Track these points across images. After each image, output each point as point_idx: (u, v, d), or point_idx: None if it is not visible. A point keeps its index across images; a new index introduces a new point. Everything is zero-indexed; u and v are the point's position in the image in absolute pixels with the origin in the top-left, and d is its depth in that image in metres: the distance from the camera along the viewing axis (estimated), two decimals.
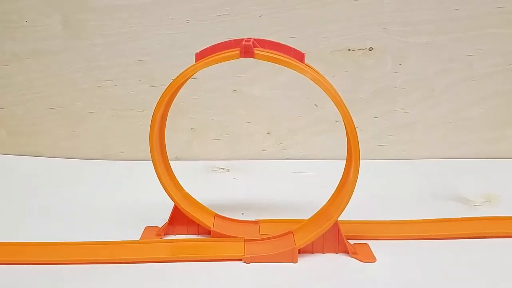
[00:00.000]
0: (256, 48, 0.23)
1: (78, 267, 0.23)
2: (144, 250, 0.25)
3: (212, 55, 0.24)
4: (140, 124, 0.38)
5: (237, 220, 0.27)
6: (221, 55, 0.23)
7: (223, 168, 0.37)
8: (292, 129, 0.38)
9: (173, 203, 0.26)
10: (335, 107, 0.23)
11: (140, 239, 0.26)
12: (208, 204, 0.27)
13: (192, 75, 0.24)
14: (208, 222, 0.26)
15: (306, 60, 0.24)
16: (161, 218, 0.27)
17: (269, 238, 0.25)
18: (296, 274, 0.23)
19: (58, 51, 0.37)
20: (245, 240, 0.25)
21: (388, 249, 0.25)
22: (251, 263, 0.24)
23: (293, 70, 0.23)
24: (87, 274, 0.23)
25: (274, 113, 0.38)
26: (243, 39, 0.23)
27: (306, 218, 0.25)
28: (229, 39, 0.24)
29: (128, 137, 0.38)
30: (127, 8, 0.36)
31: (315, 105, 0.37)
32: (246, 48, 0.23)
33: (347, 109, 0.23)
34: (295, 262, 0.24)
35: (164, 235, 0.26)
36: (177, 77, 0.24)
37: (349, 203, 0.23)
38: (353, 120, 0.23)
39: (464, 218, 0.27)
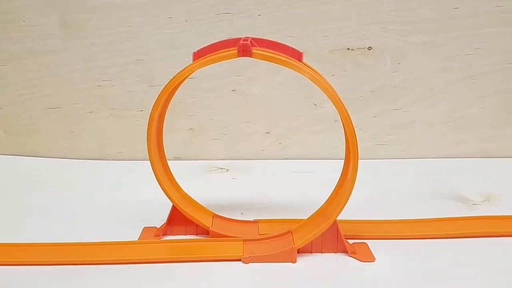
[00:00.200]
0: (254, 47, 0.23)
1: (76, 268, 0.23)
2: (142, 251, 0.25)
3: (210, 55, 0.23)
4: (139, 124, 0.38)
5: (236, 220, 0.27)
6: (218, 55, 0.23)
7: (222, 168, 0.37)
8: (291, 128, 0.38)
9: (171, 203, 0.26)
10: (334, 106, 0.23)
11: (138, 239, 0.26)
12: (207, 204, 0.27)
13: (190, 74, 0.24)
14: (206, 222, 0.26)
15: (305, 60, 0.24)
16: (160, 218, 0.27)
17: (268, 238, 0.25)
18: (295, 274, 0.23)
19: (55, 51, 0.37)
20: (244, 240, 0.25)
21: (387, 249, 0.25)
22: (250, 263, 0.24)
23: (291, 70, 0.23)
24: (85, 275, 0.23)
25: (273, 112, 0.38)
26: (241, 38, 0.23)
27: (305, 217, 0.25)
28: (227, 38, 0.24)
29: (127, 137, 0.38)
30: (125, 8, 0.36)
31: (314, 104, 0.37)
32: (244, 47, 0.23)
33: (345, 108, 0.23)
34: (294, 262, 0.24)
35: (162, 235, 0.26)
36: (174, 76, 0.24)
37: (348, 203, 0.23)
38: (352, 119, 0.23)
39: (463, 217, 0.27)
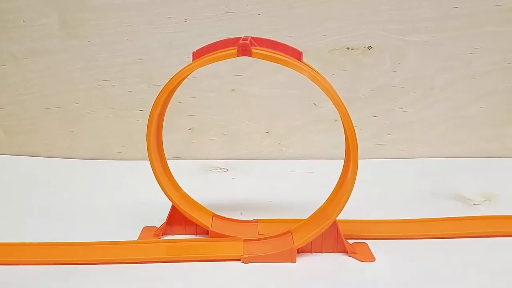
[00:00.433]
0: (254, 47, 0.23)
1: (76, 268, 0.23)
2: (142, 251, 0.24)
3: (209, 54, 0.23)
4: (138, 123, 0.38)
5: (236, 220, 0.27)
6: (218, 54, 0.23)
7: (221, 168, 0.37)
8: (291, 128, 0.38)
9: (171, 203, 0.26)
10: (333, 106, 0.23)
11: (138, 239, 0.26)
12: (207, 203, 0.27)
13: (189, 74, 0.24)
14: (206, 222, 0.26)
15: (305, 59, 0.23)
16: (159, 218, 0.27)
17: (267, 238, 0.25)
18: (295, 274, 0.23)
19: (55, 51, 0.37)
20: (244, 240, 0.25)
21: (387, 249, 0.24)
22: (250, 263, 0.23)
23: (291, 69, 0.23)
24: (84, 275, 0.23)
25: (272, 112, 0.38)
26: (240, 37, 0.23)
27: (305, 217, 0.25)
28: (227, 38, 0.24)
29: (126, 137, 0.38)
30: (124, 7, 0.36)
31: (314, 104, 0.37)
32: (243, 47, 0.23)
33: (345, 107, 0.23)
34: (294, 262, 0.24)
35: (162, 235, 0.26)
36: (174, 76, 0.24)
37: (347, 202, 0.23)
38: (352, 119, 0.23)
39: (464, 217, 0.27)
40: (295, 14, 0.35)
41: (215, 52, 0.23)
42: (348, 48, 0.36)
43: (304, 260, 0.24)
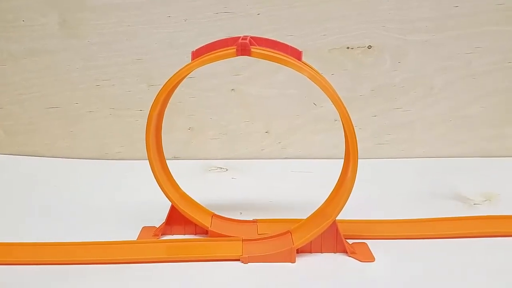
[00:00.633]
0: (253, 46, 0.23)
1: (75, 268, 0.23)
2: (141, 250, 0.24)
3: (208, 54, 0.23)
4: (138, 123, 0.38)
5: (235, 219, 0.27)
6: (217, 54, 0.23)
7: (221, 168, 0.37)
8: (290, 128, 0.38)
9: (170, 203, 0.26)
10: (333, 105, 0.23)
11: (137, 239, 0.26)
12: (206, 203, 0.27)
13: (188, 74, 0.24)
14: (205, 222, 0.26)
15: (305, 59, 0.23)
16: (159, 218, 0.27)
17: (267, 238, 0.25)
18: (294, 274, 0.23)
19: (55, 51, 0.37)
20: (243, 240, 0.25)
21: (387, 249, 0.24)
22: (249, 263, 0.23)
23: (290, 69, 0.23)
24: (84, 275, 0.23)
25: (272, 112, 0.38)
26: (240, 37, 0.23)
27: (304, 217, 0.25)
28: (226, 37, 0.24)
29: (126, 136, 0.38)
30: (124, 7, 0.36)
31: (314, 103, 0.37)
32: (242, 46, 0.22)
33: (344, 107, 0.23)
34: (293, 262, 0.24)
35: (161, 235, 0.26)
36: (173, 76, 0.24)
37: (347, 202, 0.23)
38: (352, 118, 0.23)
39: (464, 217, 0.27)
40: (295, 13, 0.35)
41: (214, 51, 0.23)
42: (348, 48, 0.36)
43: (304, 260, 0.24)
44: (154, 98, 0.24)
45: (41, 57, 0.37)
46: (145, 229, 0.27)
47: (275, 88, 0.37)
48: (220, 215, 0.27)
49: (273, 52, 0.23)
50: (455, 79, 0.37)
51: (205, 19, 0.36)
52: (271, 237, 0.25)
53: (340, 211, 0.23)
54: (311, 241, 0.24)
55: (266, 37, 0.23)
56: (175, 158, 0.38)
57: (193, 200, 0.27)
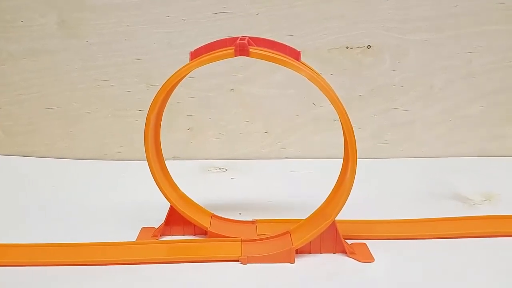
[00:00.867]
0: (251, 47, 0.23)
1: (74, 269, 0.23)
2: (140, 251, 0.24)
3: (207, 54, 0.23)
4: (137, 124, 0.38)
5: (234, 220, 0.27)
6: (215, 54, 0.23)
7: (220, 168, 0.36)
8: (289, 128, 0.38)
9: (169, 204, 0.26)
10: (332, 105, 0.23)
11: (136, 239, 0.26)
12: (206, 204, 0.27)
13: (186, 74, 0.24)
14: (204, 222, 0.26)
15: (304, 59, 0.23)
16: (158, 218, 0.27)
17: (266, 239, 0.25)
18: (294, 275, 0.23)
19: (54, 51, 0.37)
20: (242, 241, 0.25)
21: (387, 249, 0.24)
22: (248, 264, 0.23)
23: (289, 69, 0.23)
24: (83, 276, 0.23)
25: (271, 112, 0.37)
26: (238, 37, 0.23)
27: (304, 218, 0.25)
28: (225, 37, 0.24)
29: (125, 137, 0.38)
30: (123, 7, 0.36)
31: (313, 103, 0.37)
32: (241, 47, 0.22)
33: (343, 107, 0.23)
34: (293, 262, 0.23)
35: (160, 236, 0.26)
36: (171, 76, 0.24)
37: (346, 203, 0.23)
38: (351, 118, 0.23)
39: (463, 217, 0.27)
40: (294, 13, 0.35)
41: (212, 52, 0.23)
42: (347, 47, 0.36)
43: (303, 261, 0.24)
44: (152, 99, 0.24)
45: (40, 57, 0.37)
46: (144, 229, 0.27)
47: (275, 88, 0.37)
48: (219, 215, 0.27)
49: (271, 53, 0.23)
50: (455, 79, 0.37)
51: (204, 19, 0.36)
52: (270, 237, 0.25)
53: (340, 212, 0.23)
54: (310, 242, 0.24)
55: (264, 37, 0.23)
56: (175, 158, 0.38)
57: (192, 200, 0.27)
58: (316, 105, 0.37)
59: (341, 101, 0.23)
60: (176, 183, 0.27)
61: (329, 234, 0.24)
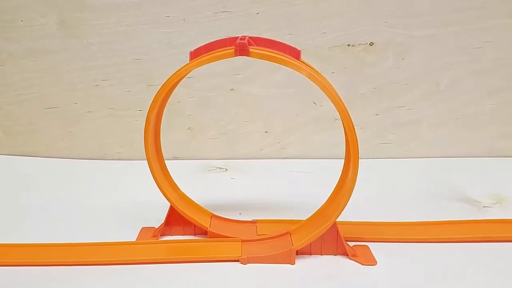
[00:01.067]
0: (251, 46, 0.22)
1: (74, 269, 0.23)
2: (140, 251, 0.24)
3: (206, 54, 0.23)
4: (137, 123, 0.38)
5: (234, 220, 0.27)
6: (215, 54, 0.23)
7: (220, 168, 0.36)
8: (290, 127, 0.37)
9: (169, 204, 0.26)
10: (333, 104, 0.22)
11: (136, 239, 0.26)
12: (206, 204, 0.27)
13: (186, 74, 0.24)
14: (204, 222, 0.26)
15: (305, 57, 0.23)
16: (158, 218, 0.26)
17: (266, 239, 0.25)
18: (294, 276, 0.22)
19: (54, 51, 0.37)
20: (242, 241, 0.24)
21: (390, 252, 0.24)
22: (248, 264, 0.23)
23: (289, 68, 0.22)
24: (83, 276, 0.23)
25: (272, 111, 0.37)
26: (238, 37, 0.23)
27: (304, 218, 0.25)
28: (224, 37, 0.23)
29: (125, 137, 0.38)
30: (123, 7, 0.36)
31: (314, 103, 0.36)
32: (241, 47, 0.22)
33: (344, 106, 0.22)
34: (293, 263, 0.23)
35: (160, 235, 0.26)
36: (171, 76, 0.23)
37: (348, 204, 0.23)
38: (353, 117, 0.22)
39: (471, 220, 0.26)
40: (294, 11, 0.35)
41: (212, 52, 0.23)
42: (349, 45, 0.35)
43: (303, 262, 0.23)
44: (152, 98, 0.24)
45: (40, 57, 0.37)
46: (144, 229, 0.27)
47: (275, 88, 0.37)
48: (219, 215, 0.27)
49: (271, 52, 0.22)
50: (463, 75, 0.36)
51: (204, 18, 0.35)
52: (271, 238, 0.25)
53: (341, 213, 0.23)
54: (310, 243, 0.23)
55: (264, 37, 0.23)
56: (175, 158, 0.38)
57: (192, 200, 0.27)
58: (317, 104, 0.36)
59: (343, 100, 0.22)
60: (176, 183, 0.26)
61: (330, 236, 0.23)
